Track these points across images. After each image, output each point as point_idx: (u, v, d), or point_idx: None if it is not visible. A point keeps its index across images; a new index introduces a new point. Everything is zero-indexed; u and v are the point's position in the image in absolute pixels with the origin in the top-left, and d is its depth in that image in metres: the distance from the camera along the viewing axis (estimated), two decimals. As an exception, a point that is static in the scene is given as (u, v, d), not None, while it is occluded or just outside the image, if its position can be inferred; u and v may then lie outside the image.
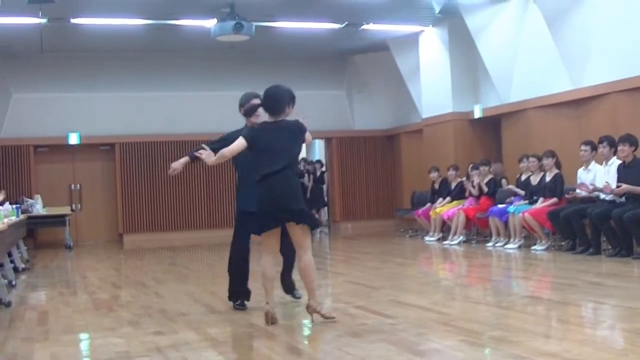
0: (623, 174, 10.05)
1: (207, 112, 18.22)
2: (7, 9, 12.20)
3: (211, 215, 18.34)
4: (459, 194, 14.24)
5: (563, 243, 11.28)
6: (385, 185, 19.41)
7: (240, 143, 6.31)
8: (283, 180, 6.14)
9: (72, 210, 17.36)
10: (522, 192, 12.29)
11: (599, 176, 10.69)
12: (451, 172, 14.54)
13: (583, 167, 11.10)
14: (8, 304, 7.86)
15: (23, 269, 11.73)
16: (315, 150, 22.19)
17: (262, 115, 6.75)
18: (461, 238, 13.43)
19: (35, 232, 16.95)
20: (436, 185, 15.05)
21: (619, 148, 10.13)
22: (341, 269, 10.88)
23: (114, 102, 17.79)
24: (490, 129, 15.38)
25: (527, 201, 12.04)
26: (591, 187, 10.62)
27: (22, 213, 13.70)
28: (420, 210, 15.14)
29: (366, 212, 19.47)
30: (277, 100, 6.33)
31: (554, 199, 11.50)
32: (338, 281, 9.28)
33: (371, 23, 15.35)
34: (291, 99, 6.32)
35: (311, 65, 18.42)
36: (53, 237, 17.19)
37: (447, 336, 5.48)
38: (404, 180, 18.67)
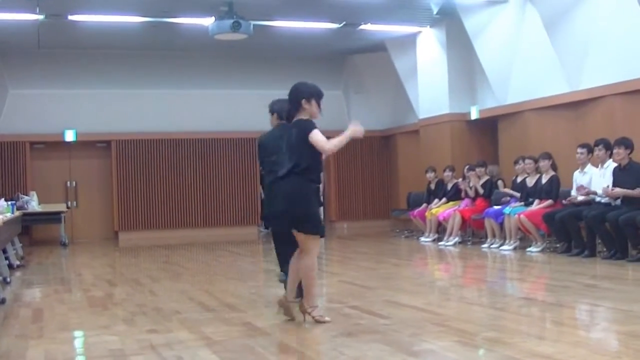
0: (618, 176, 10.08)
1: (204, 110, 18.25)
2: (4, 5, 12.20)
3: (207, 213, 18.32)
4: (455, 195, 14.25)
5: (558, 245, 11.31)
6: (381, 185, 19.41)
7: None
8: (286, 185, 6.03)
9: (67, 207, 17.33)
10: (516, 194, 12.30)
11: (595, 179, 10.72)
12: (447, 173, 14.55)
13: (579, 170, 11.12)
14: (2, 301, 7.86)
15: (18, 266, 11.71)
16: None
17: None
18: (456, 239, 13.44)
19: (31, 229, 16.92)
20: (432, 186, 15.06)
21: (615, 151, 10.16)
22: (336, 269, 10.88)
23: (110, 99, 17.77)
24: (487, 131, 15.39)
25: (522, 203, 12.05)
26: (586, 190, 10.64)
27: (18, 210, 13.68)
28: (416, 211, 15.15)
29: (362, 212, 19.48)
30: (291, 95, 6.14)
31: (550, 201, 11.52)
32: (333, 281, 9.28)
33: (369, 23, 15.35)
34: (310, 94, 6.06)
35: (308, 65, 18.40)
36: (48, 234, 17.16)
37: (441, 337, 5.49)
38: (400, 180, 18.69)
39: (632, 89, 11.30)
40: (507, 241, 12.14)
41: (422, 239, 14.56)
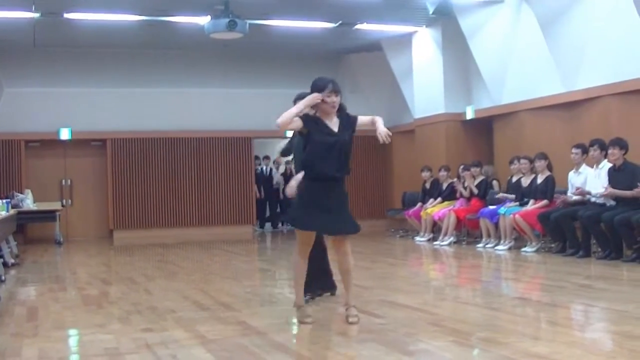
0: (613, 177, 10.09)
1: (199, 109, 18.22)
2: (0, 3, 12.17)
3: (202, 212, 18.30)
4: (450, 194, 14.27)
5: (553, 245, 11.33)
6: (376, 185, 19.41)
7: None
8: None
9: (62, 205, 17.32)
10: (511, 197, 12.30)
11: (590, 179, 10.74)
12: (442, 173, 14.57)
13: (574, 170, 11.14)
14: (-3, 299, 7.85)
15: (12, 264, 11.70)
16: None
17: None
18: (451, 239, 13.45)
19: (25, 227, 16.88)
20: (427, 185, 15.08)
21: (610, 151, 10.17)
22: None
23: (106, 97, 17.74)
24: (482, 131, 15.40)
25: (517, 203, 12.07)
26: (581, 190, 10.66)
27: (12, 208, 13.66)
28: (411, 211, 15.17)
29: (357, 211, 19.43)
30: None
31: (545, 201, 11.53)
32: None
33: (365, 23, 15.35)
34: (316, 89, 6.01)
35: (304, 64, 18.39)
36: (43, 233, 17.12)
37: (436, 336, 5.49)
38: (395, 180, 18.69)
39: (628, 90, 11.32)
40: (502, 241, 12.15)
41: (417, 238, 14.58)
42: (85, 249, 15.26)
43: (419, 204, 15.04)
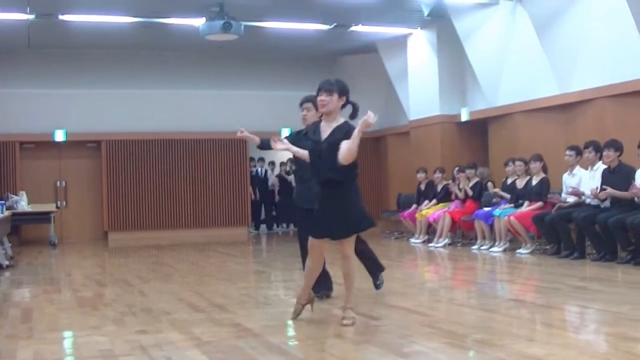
0: (608, 179, 10.10)
1: (194, 110, 18.20)
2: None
3: (197, 214, 18.29)
4: (445, 196, 14.27)
5: (548, 247, 11.34)
6: (371, 187, 19.38)
7: None
8: None
9: (57, 207, 17.26)
10: (507, 196, 12.32)
11: (584, 181, 10.75)
12: (437, 175, 14.57)
13: (568, 172, 11.15)
14: (-9, 301, 7.83)
15: (7, 266, 11.66)
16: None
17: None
18: (446, 241, 13.46)
19: (20, 229, 16.84)
20: (422, 187, 15.07)
21: (604, 153, 10.18)
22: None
23: (101, 99, 17.71)
24: (477, 132, 15.41)
25: (512, 205, 12.08)
26: (580, 192, 10.67)
27: (7, 209, 13.63)
28: (406, 213, 15.17)
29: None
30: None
31: (540, 203, 11.54)
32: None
33: (360, 25, 15.37)
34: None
35: (299, 66, 18.41)
36: (38, 234, 17.09)
37: (431, 338, 5.49)
38: (390, 182, 18.70)
39: (622, 92, 11.35)
40: (496, 243, 12.16)
41: (412, 240, 14.58)
42: (80, 251, 15.23)
43: (414, 205, 15.04)
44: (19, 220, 15.40)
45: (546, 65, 12.78)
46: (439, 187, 14.54)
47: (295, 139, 7.02)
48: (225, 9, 13.38)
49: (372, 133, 18.98)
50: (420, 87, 16.24)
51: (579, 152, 10.91)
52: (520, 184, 12.12)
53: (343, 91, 6.09)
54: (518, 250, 11.61)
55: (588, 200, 10.57)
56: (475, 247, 12.63)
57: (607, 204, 10.21)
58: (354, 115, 6.19)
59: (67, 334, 6.37)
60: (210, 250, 15.00)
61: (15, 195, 15.91)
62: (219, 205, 18.46)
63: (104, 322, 6.59)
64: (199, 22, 13.90)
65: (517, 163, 12.20)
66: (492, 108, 14.44)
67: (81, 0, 13.14)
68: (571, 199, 10.87)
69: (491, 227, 12.34)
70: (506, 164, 12.56)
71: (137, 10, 13.80)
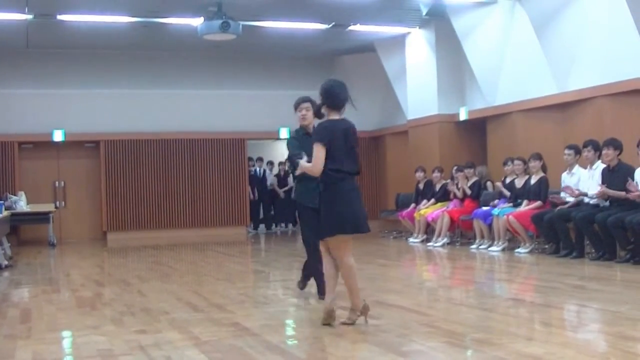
0: (607, 178, 10.09)
1: (193, 110, 18.20)
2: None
3: (195, 214, 18.29)
4: (443, 195, 14.26)
5: (547, 246, 11.34)
6: (369, 186, 19.39)
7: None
8: None
9: (56, 207, 17.27)
10: (508, 193, 12.30)
11: (583, 180, 10.74)
12: (436, 174, 14.57)
13: (567, 171, 11.14)
14: (-10, 301, 7.83)
15: (6, 266, 11.66)
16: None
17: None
18: (445, 240, 13.45)
19: (19, 229, 16.84)
20: (421, 186, 15.06)
21: (604, 152, 10.17)
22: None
23: (99, 99, 17.71)
24: (476, 132, 15.41)
25: (511, 204, 12.08)
26: (576, 192, 10.66)
27: (6, 210, 13.62)
28: (404, 212, 15.16)
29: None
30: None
31: (539, 202, 11.54)
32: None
33: (358, 24, 15.36)
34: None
35: (297, 65, 18.42)
36: (36, 234, 17.09)
37: (430, 337, 5.49)
38: (389, 181, 18.70)
39: (621, 90, 11.34)
40: (495, 242, 12.16)
41: (411, 239, 14.57)
42: (79, 251, 15.22)
43: (413, 205, 15.04)
44: (17, 221, 15.39)
45: (544, 64, 12.78)
46: (438, 187, 14.54)
47: (302, 139, 7.05)
48: (223, 9, 13.38)
49: (370, 132, 19.00)
50: (418, 87, 16.24)
51: (577, 151, 10.91)
52: (519, 183, 12.11)
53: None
54: (517, 250, 11.61)
55: (587, 199, 10.57)
56: (474, 246, 12.63)
57: (606, 202, 10.20)
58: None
59: (66, 333, 6.37)
60: (209, 250, 15.00)
61: (14, 195, 15.90)
62: (217, 205, 18.47)
63: (102, 322, 6.59)
64: (197, 21, 13.90)
65: (516, 162, 12.19)
66: (490, 107, 14.44)
67: (79, 0, 13.13)
68: (571, 199, 10.86)
69: (490, 226, 12.33)
70: (505, 163, 12.56)
71: (135, 10, 13.80)
